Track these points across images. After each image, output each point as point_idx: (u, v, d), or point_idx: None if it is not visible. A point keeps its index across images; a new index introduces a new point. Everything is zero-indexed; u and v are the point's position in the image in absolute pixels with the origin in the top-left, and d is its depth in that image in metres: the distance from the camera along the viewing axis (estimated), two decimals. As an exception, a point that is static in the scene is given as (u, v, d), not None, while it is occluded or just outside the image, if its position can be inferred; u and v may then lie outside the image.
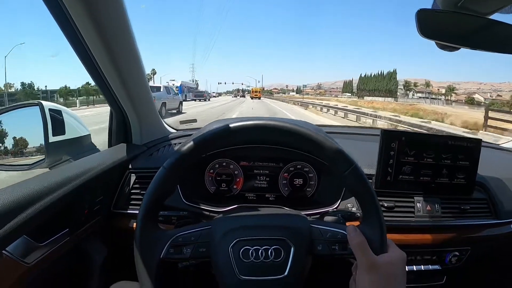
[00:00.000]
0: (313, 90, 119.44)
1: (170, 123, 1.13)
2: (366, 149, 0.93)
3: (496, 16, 0.72)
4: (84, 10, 0.58)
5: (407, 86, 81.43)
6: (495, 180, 0.90)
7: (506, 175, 0.93)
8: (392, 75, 73.08)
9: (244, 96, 58.56)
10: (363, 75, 79.55)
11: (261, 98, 50.77)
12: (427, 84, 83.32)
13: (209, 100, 37.14)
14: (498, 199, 0.86)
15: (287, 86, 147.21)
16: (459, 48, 0.76)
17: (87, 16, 0.59)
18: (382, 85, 72.44)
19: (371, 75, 77.08)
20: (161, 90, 12.82)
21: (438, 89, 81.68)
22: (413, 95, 79.14)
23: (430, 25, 0.70)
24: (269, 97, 61.98)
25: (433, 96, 76.06)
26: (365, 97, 64.25)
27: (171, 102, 13.05)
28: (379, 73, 75.54)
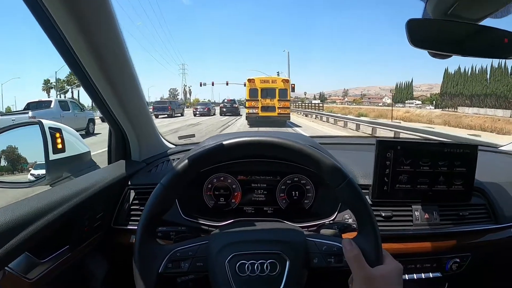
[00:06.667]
0: (340, 98, 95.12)
1: (169, 138, 1.14)
2: (361, 159, 0.93)
3: (486, 22, 0.73)
4: (79, 31, 0.58)
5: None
6: (493, 184, 0.89)
7: (505, 179, 0.92)
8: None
9: (236, 112, 23.53)
10: (451, 71, 37.90)
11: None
12: None
13: (182, 115, 23.78)
14: (497, 204, 0.86)
15: (305, 94, 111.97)
16: (450, 56, 0.77)
17: (82, 37, 0.59)
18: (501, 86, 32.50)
19: (473, 69, 35.48)
20: (52, 105, 9.00)
21: None
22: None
23: (421, 34, 0.71)
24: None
25: None
26: (458, 108, 34.00)
27: (70, 122, 7.11)
28: (500, 65, 32.05)
